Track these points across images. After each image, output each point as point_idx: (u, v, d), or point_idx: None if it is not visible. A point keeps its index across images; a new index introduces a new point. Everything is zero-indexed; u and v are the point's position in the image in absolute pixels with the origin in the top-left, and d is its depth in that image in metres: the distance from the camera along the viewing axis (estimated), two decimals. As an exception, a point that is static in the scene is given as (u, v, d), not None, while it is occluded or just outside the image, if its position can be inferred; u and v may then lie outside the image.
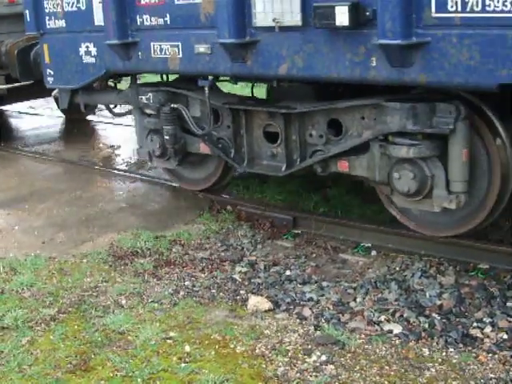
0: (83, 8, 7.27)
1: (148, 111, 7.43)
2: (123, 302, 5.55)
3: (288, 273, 6.03)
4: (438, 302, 5.30)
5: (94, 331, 5.09)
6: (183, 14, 6.44)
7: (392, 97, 5.67)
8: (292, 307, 5.41)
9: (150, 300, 5.56)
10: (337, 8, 5.21)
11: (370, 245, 6.42)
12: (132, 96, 7.64)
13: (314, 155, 6.40)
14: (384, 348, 4.74)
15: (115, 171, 9.36)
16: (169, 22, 6.57)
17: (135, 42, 6.93)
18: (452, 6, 4.81)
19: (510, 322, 4.96)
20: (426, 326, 5.00)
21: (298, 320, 5.19)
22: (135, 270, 6.13)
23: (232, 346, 4.83)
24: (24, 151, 10.78)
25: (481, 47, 4.75)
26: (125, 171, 9.38)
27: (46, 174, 9.42)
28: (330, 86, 6.25)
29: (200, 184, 7.90)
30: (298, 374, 4.44)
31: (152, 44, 6.79)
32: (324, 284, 5.76)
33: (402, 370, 4.46)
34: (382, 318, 5.14)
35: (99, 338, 4.98)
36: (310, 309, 5.36)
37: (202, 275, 6.02)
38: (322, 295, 5.57)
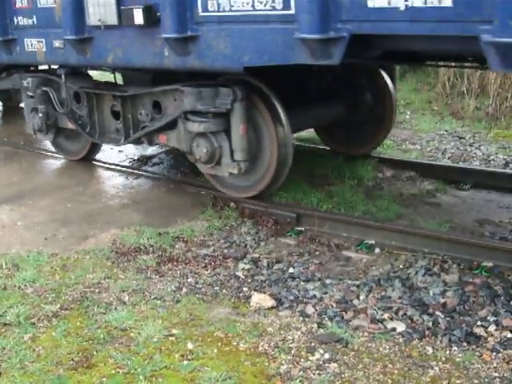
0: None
1: (29, 93, 8.99)
2: (126, 298, 5.53)
3: (291, 270, 6.02)
4: (442, 300, 5.28)
5: (96, 328, 5.07)
6: (44, 16, 7.95)
7: (189, 83, 7.12)
8: (295, 305, 5.40)
9: (152, 297, 5.55)
10: (135, 10, 6.75)
11: (373, 242, 6.41)
12: (18, 81, 9.32)
13: (142, 130, 7.91)
14: (387, 346, 4.73)
15: (118, 167, 9.33)
16: (36, 22, 8.12)
17: (14, 38, 8.48)
18: (211, 7, 6.27)
19: (514, 320, 4.95)
20: (430, 324, 4.98)
21: (301, 318, 5.18)
22: (138, 267, 6.11)
23: (235, 343, 4.82)
24: (28, 147, 10.75)
25: (231, 39, 6.24)
26: (128, 167, 9.36)
27: (49, 169, 9.41)
28: (163, 73, 7.55)
29: (77, 155, 9.54)
30: (301, 372, 4.42)
31: (25, 40, 8.35)
32: (327, 281, 5.75)
33: (406, 369, 4.44)
34: (386, 316, 5.13)
35: (101, 335, 4.96)
36: (313, 306, 5.34)
37: (205, 272, 6.01)
38: (326, 293, 5.56)
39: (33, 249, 6.52)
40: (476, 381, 4.30)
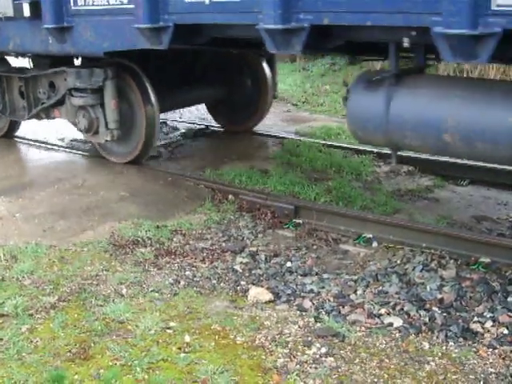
0: None
1: None
2: (123, 291, 5.54)
3: (289, 264, 6.03)
4: (439, 296, 5.30)
5: (93, 320, 5.08)
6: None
7: (72, 65, 8.74)
8: (292, 299, 5.41)
9: (150, 289, 5.56)
10: (23, 4, 8.16)
11: (371, 236, 6.42)
12: None
13: (41, 106, 9.16)
14: (384, 341, 4.74)
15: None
16: None
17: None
18: (80, 2, 7.62)
19: (510, 316, 4.96)
20: (427, 319, 5.00)
21: (298, 312, 5.19)
22: (136, 260, 6.12)
23: (232, 336, 4.83)
24: (26, 139, 10.75)
25: (94, 29, 7.64)
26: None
27: (47, 162, 9.40)
28: (62, 58, 8.69)
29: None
30: (298, 366, 4.43)
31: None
32: (325, 276, 5.76)
33: (402, 364, 4.46)
34: (383, 310, 5.14)
35: (99, 327, 4.97)
36: (311, 300, 5.35)
37: (203, 265, 6.02)
38: (323, 287, 5.57)
39: (31, 240, 6.52)
40: (472, 376, 4.31)
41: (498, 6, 4.51)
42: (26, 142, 10.53)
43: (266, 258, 6.16)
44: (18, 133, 10.82)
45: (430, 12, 4.82)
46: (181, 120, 11.91)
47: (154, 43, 6.94)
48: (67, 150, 9.99)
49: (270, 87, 10.25)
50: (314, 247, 6.40)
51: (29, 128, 11.04)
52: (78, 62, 9.07)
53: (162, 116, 11.39)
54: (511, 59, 5.46)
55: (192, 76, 9.93)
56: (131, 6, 6.98)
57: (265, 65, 10.16)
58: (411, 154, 8.99)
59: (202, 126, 11.29)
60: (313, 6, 5.54)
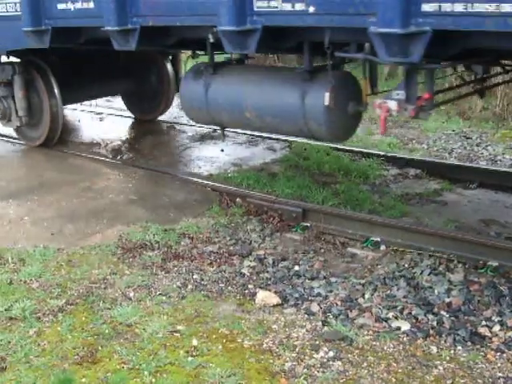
0: None
1: None
2: (131, 294, 5.55)
3: (296, 268, 6.02)
4: (447, 300, 5.29)
5: (101, 323, 5.09)
6: None
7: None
8: (300, 302, 5.40)
9: (157, 293, 5.56)
10: None
11: (379, 239, 6.41)
12: None
13: None
14: (392, 345, 4.73)
15: (124, 163, 9.34)
16: None
17: None
18: None
19: (519, 320, 4.95)
20: (435, 323, 4.98)
21: (305, 315, 5.19)
22: (143, 263, 6.12)
23: (239, 340, 4.83)
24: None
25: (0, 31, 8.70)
26: (134, 163, 9.36)
27: (55, 165, 9.42)
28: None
29: None
30: (305, 370, 4.43)
31: None
32: (332, 280, 5.75)
33: (410, 368, 4.45)
34: (390, 314, 5.13)
35: (107, 330, 4.98)
36: (318, 304, 5.35)
37: (211, 269, 6.02)
38: (331, 291, 5.56)
39: (39, 244, 6.54)
40: (480, 380, 4.30)
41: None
42: (34, 145, 10.54)
43: (273, 262, 6.15)
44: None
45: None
46: (188, 124, 11.90)
47: (39, 43, 8.09)
48: (75, 153, 9.99)
49: (173, 83, 11.58)
50: (322, 251, 6.39)
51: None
52: None
53: (169, 119, 11.45)
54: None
55: (106, 71, 11.05)
56: (20, 13, 8.13)
57: (168, 63, 11.62)
58: (419, 157, 9.01)
59: (210, 129, 11.29)
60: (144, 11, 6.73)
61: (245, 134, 10.79)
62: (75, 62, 10.28)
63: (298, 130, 6.52)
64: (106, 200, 7.82)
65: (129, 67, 11.24)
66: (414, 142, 10.35)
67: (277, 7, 5.60)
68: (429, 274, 5.70)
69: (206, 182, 8.23)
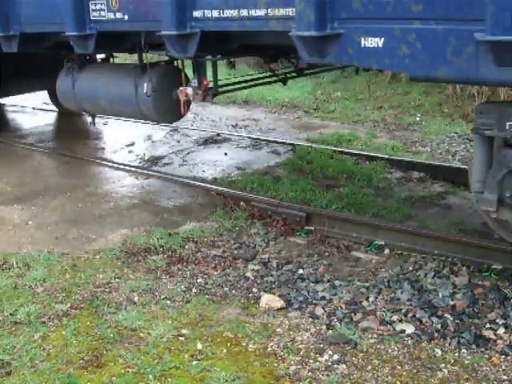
0: None
1: None
2: (135, 298, 5.55)
3: (301, 271, 6.03)
4: (451, 303, 5.29)
5: (106, 327, 5.10)
6: None
7: None
8: (304, 306, 5.41)
9: (162, 297, 5.57)
10: None
11: (383, 243, 6.41)
12: None
13: None
14: (396, 348, 4.73)
15: (128, 167, 9.36)
16: None
17: None
18: None
19: (523, 323, 4.95)
20: (439, 326, 4.99)
21: (310, 319, 5.19)
22: (148, 267, 6.13)
23: (244, 344, 4.84)
24: (38, 147, 10.80)
25: None
26: (138, 168, 9.38)
27: (60, 169, 9.44)
28: None
29: None
30: (310, 373, 4.43)
31: None
32: (336, 283, 5.75)
33: (414, 371, 4.45)
34: (395, 317, 5.13)
35: (111, 335, 4.99)
36: (323, 308, 5.35)
37: (215, 273, 6.03)
38: (335, 294, 5.56)
39: (43, 248, 6.55)
40: (484, 383, 4.30)
41: None
42: (38, 149, 10.58)
43: (277, 266, 6.16)
44: (29, 140, 10.88)
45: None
46: (192, 128, 11.93)
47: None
48: (79, 157, 10.02)
49: None
50: (326, 254, 6.39)
51: (40, 136, 11.11)
52: None
53: (174, 124, 11.45)
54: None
55: (35, 69, 11.48)
56: None
57: None
58: (423, 160, 9.01)
59: (214, 133, 11.32)
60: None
61: (249, 137, 10.82)
62: (17, 61, 10.74)
63: (135, 113, 8.02)
64: (109, 204, 7.83)
65: (50, 65, 11.20)
66: (417, 144, 10.35)
67: (104, 16, 6.99)
68: (433, 277, 5.71)
69: (209, 186, 8.24)
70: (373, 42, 4.92)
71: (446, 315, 5.13)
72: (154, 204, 7.83)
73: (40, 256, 6.36)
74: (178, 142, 10.97)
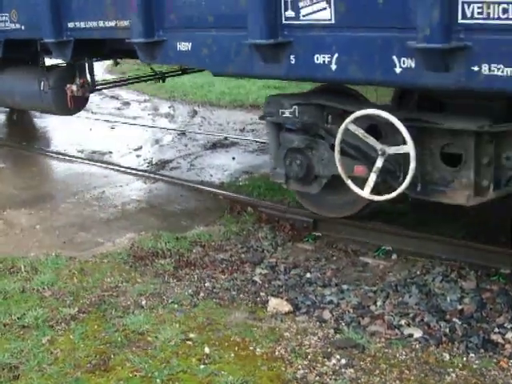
0: None
1: None
2: (143, 302, 5.55)
3: (308, 275, 6.02)
4: (459, 307, 5.28)
5: (113, 331, 5.10)
6: None
7: None
8: (312, 310, 5.40)
9: (169, 301, 5.57)
10: None
11: (390, 248, 6.40)
12: None
13: None
14: (404, 352, 4.72)
15: (136, 171, 9.38)
16: None
17: None
18: None
19: (531, 327, 4.93)
20: (447, 330, 4.97)
21: (317, 323, 5.18)
22: (155, 271, 6.14)
23: (251, 348, 4.83)
24: (46, 151, 10.83)
25: None
26: (145, 171, 9.40)
27: (67, 173, 9.46)
28: None
29: None
30: (318, 377, 4.42)
31: None
32: (344, 287, 5.75)
33: (422, 375, 4.44)
34: (403, 322, 5.12)
35: (119, 339, 4.98)
36: (330, 312, 5.35)
37: (223, 277, 6.02)
38: (342, 298, 5.56)
39: (51, 252, 6.56)
40: (493, 388, 4.30)
41: None
42: (46, 153, 10.61)
43: (285, 270, 6.15)
44: (39, 144, 10.91)
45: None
46: (200, 132, 11.94)
47: None
48: (86, 161, 10.05)
49: None
50: (334, 259, 6.38)
51: (48, 140, 11.13)
52: None
53: (180, 128, 11.48)
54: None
55: None
56: None
57: None
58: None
59: (221, 137, 11.32)
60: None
61: (256, 141, 10.81)
62: None
63: (41, 107, 9.48)
64: (116, 208, 7.85)
65: None
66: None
67: (8, 27, 8.31)
68: (441, 281, 5.69)
69: (217, 190, 8.24)
70: (185, 46, 6.29)
71: (454, 319, 5.11)
72: (161, 208, 7.84)
73: (48, 260, 6.38)
74: (186, 145, 10.98)
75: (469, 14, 4.49)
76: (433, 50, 4.65)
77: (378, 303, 5.45)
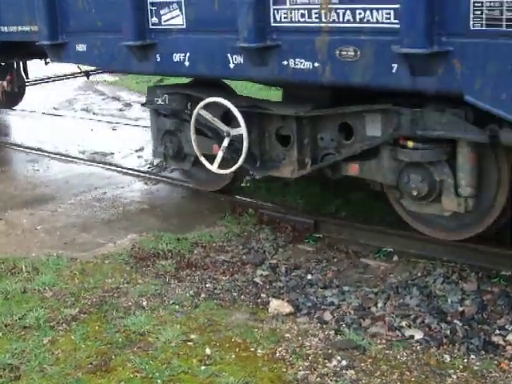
0: None
1: None
2: (144, 303, 5.56)
3: (309, 277, 6.02)
4: (460, 309, 5.27)
5: (114, 332, 5.10)
6: None
7: None
8: (313, 311, 5.40)
9: (170, 302, 5.57)
10: None
11: (391, 250, 6.40)
12: None
13: None
14: (405, 354, 4.72)
15: (137, 172, 9.38)
16: None
17: None
18: None
19: (532, 329, 4.93)
20: (448, 332, 4.97)
21: (318, 324, 5.18)
22: (156, 272, 6.14)
23: (252, 349, 4.83)
24: (47, 152, 10.83)
25: None
26: (146, 173, 9.40)
27: (68, 174, 9.46)
28: None
29: None
30: (319, 379, 4.42)
31: None
32: (345, 288, 5.75)
33: (423, 377, 4.44)
34: (403, 323, 5.12)
35: (120, 339, 4.99)
36: (331, 313, 5.35)
37: (224, 278, 6.03)
38: (343, 300, 5.56)
39: (52, 253, 6.57)
40: (494, 389, 4.30)
41: None
42: (48, 154, 10.61)
43: (286, 271, 6.16)
44: (36, 144, 10.92)
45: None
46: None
47: None
48: (88, 162, 10.05)
49: None
50: (335, 260, 6.38)
51: (49, 141, 11.14)
52: None
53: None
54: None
55: None
56: None
57: None
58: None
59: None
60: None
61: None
62: None
63: None
64: (118, 209, 7.85)
65: None
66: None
67: None
68: (442, 283, 5.69)
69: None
70: (82, 47, 7.43)
71: (454, 321, 5.11)
72: (162, 209, 7.85)
73: (49, 260, 6.38)
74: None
75: (278, 19, 5.71)
76: (251, 49, 5.87)
77: (379, 305, 5.45)
